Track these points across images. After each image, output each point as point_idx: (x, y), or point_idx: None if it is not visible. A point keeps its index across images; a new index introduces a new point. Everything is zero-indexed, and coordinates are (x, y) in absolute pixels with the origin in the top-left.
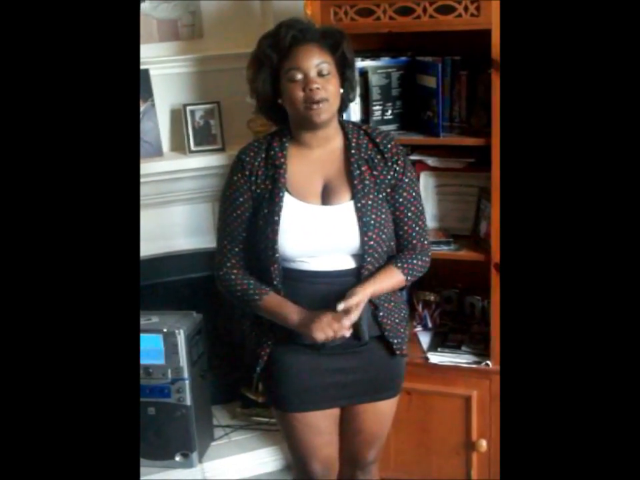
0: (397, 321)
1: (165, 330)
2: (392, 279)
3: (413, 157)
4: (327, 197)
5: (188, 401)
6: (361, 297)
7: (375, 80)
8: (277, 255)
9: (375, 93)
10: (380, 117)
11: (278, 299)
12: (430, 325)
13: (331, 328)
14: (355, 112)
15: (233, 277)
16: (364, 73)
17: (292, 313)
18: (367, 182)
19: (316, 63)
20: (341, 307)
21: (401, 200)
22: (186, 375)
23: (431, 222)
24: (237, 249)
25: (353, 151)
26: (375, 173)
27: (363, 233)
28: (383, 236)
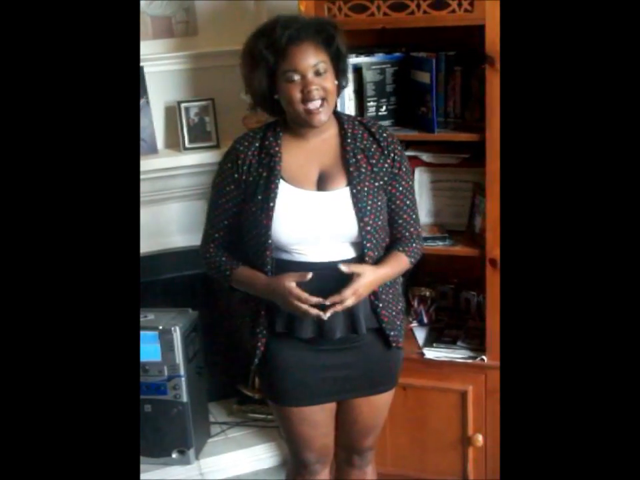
0: (394, 313)
1: (160, 327)
2: (400, 263)
3: (407, 153)
4: (322, 184)
5: (184, 398)
6: (372, 277)
7: (369, 76)
8: (270, 242)
9: (370, 89)
10: (374, 113)
11: (248, 270)
12: (425, 320)
13: (300, 307)
14: (349, 108)
15: (208, 255)
16: (358, 69)
17: (260, 281)
18: (362, 170)
19: (313, 63)
20: (344, 268)
21: (400, 189)
22: (182, 371)
23: (425, 217)
24: (216, 235)
25: (348, 140)
26: (371, 161)
27: (359, 219)
28: (379, 222)
